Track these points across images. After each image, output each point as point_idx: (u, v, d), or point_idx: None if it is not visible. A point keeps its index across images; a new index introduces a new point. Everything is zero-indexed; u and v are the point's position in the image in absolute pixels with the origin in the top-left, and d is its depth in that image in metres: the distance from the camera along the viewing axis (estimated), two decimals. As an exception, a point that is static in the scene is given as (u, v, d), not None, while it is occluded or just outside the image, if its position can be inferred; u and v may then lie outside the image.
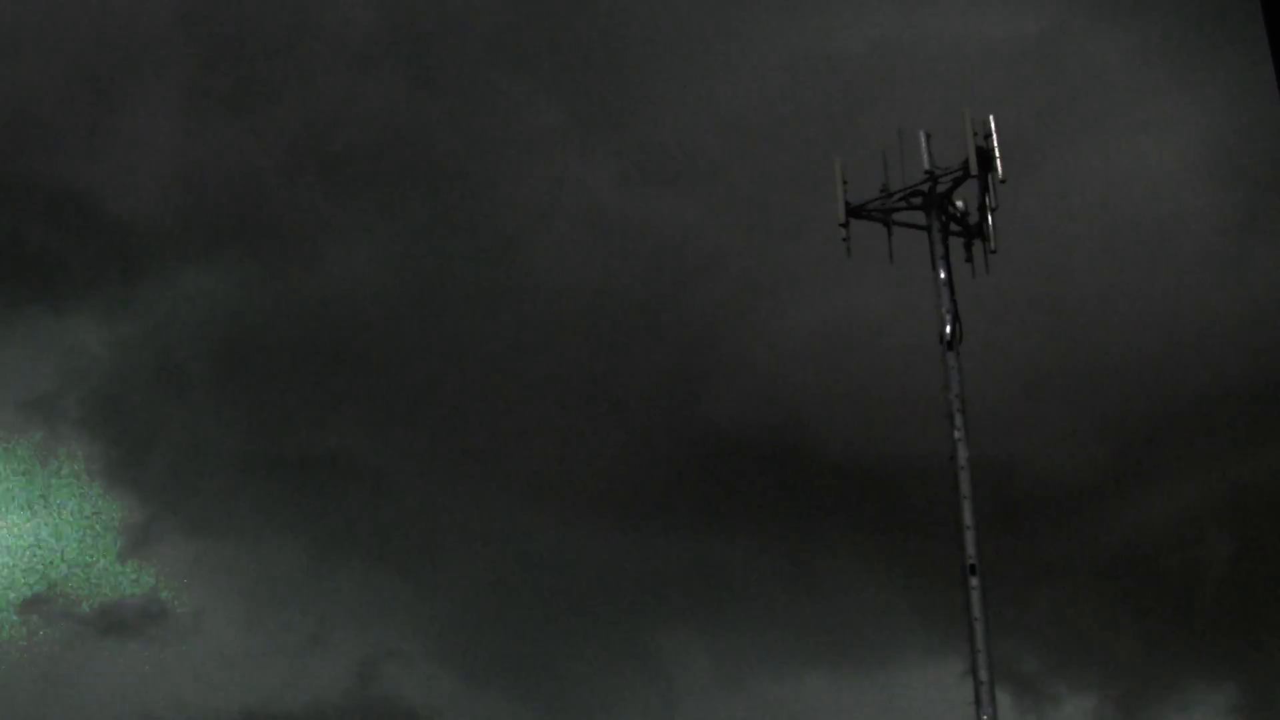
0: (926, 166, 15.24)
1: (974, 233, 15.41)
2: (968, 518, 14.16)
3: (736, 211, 28.71)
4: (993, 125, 15.11)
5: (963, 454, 14.41)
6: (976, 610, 13.79)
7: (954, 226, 15.44)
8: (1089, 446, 25.89)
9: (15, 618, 28.12)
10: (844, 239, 15.54)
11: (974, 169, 14.99)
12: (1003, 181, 15.08)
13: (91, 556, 28.89)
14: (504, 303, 30.77)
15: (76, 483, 29.57)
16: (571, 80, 30.90)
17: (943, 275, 15.20)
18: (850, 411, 25.82)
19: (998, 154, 15.01)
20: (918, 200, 15.46)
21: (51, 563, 28.69)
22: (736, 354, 28.87)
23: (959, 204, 15.41)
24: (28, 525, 28.72)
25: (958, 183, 15.23)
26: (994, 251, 15.27)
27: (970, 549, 14.03)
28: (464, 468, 30.77)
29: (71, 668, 28.04)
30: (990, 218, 15.25)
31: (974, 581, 13.89)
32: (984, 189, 15.16)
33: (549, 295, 30.19)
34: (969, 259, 15.37)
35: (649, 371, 29.50)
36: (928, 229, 15.42)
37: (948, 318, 14.99)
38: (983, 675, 13.59)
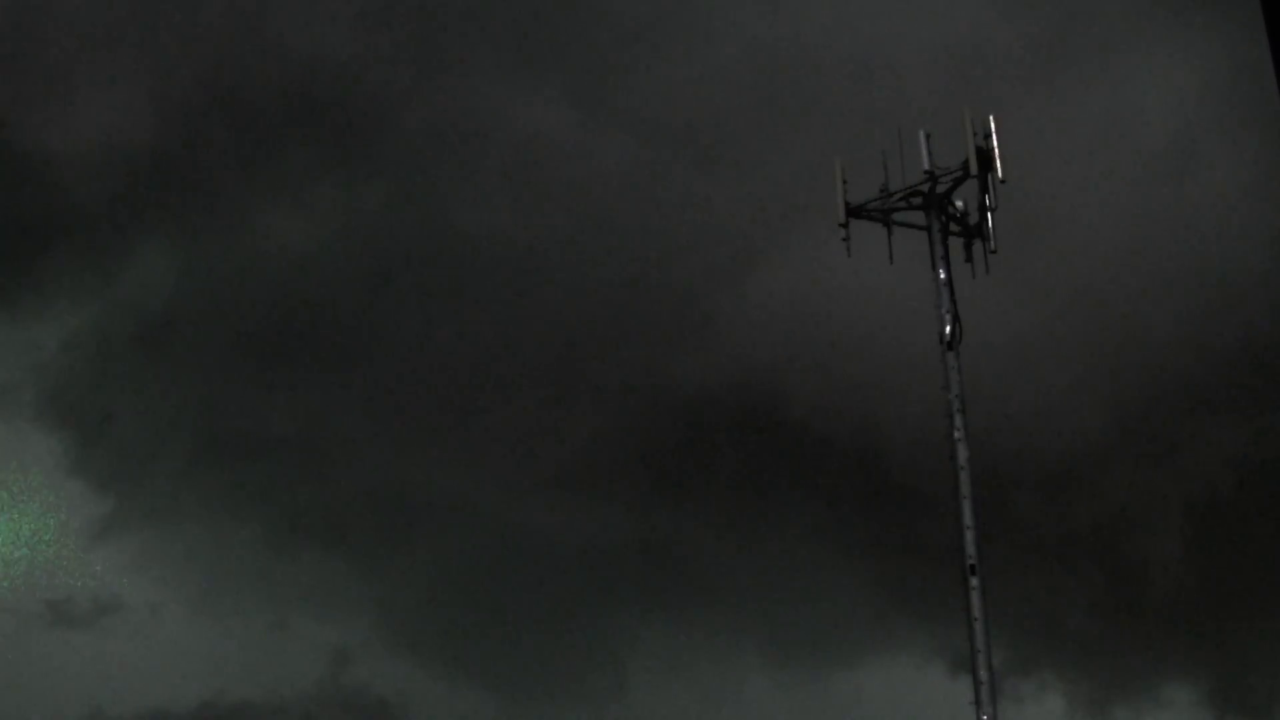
0: (926, 166, 15.26)
1: (974, 233, 15.43)
2: (968, 518, 14.17)
3: (719, 190, 28.46)
4: (993, 125, 15.13)
5: (963, 454, 14.41)
6: (976, 610, 13.79)
7: (954, 226, 15.46)
8: (1084, 437, 25.90)
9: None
10: (844, 239, 15.56)
11: (974, 169, 15.01)
12: (1002, 181, 15.10)
13: (42, 548, 28.57)
14: (464, 274, 30.02)
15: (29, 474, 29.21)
16: (551, 49, 30.38)
17: (943, 275, 15.22)
18: (827, 392, 25.74)
19: (998, 154, 15.04)
20: (918, 200, 15.48)
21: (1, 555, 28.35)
22: (710, 329, 28.51)
23: (959, 204, 15.43)
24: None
25: (958, 183, 15.26)
26: (994, 251, 15.30)
27: (970, 549, 14.04)
28: (424, 447, 30.13)
29: (16, 661, 27.57)
30: (990, 218, 15.28)
31: (974, 581, 13.89)
32: (984, 189, 15.19)
33: (511, 268, 29.57)
34: (969, 259, 15.40)
35: (619, 347, 28.97)
36: (928, 229, 15.43)
37: (947, 318, 15.01)
38: (982, 675, 13.60)
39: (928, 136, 15.28)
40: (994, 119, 15.09)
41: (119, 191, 29.81)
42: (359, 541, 29.94)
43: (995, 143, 15.01)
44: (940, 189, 15.35)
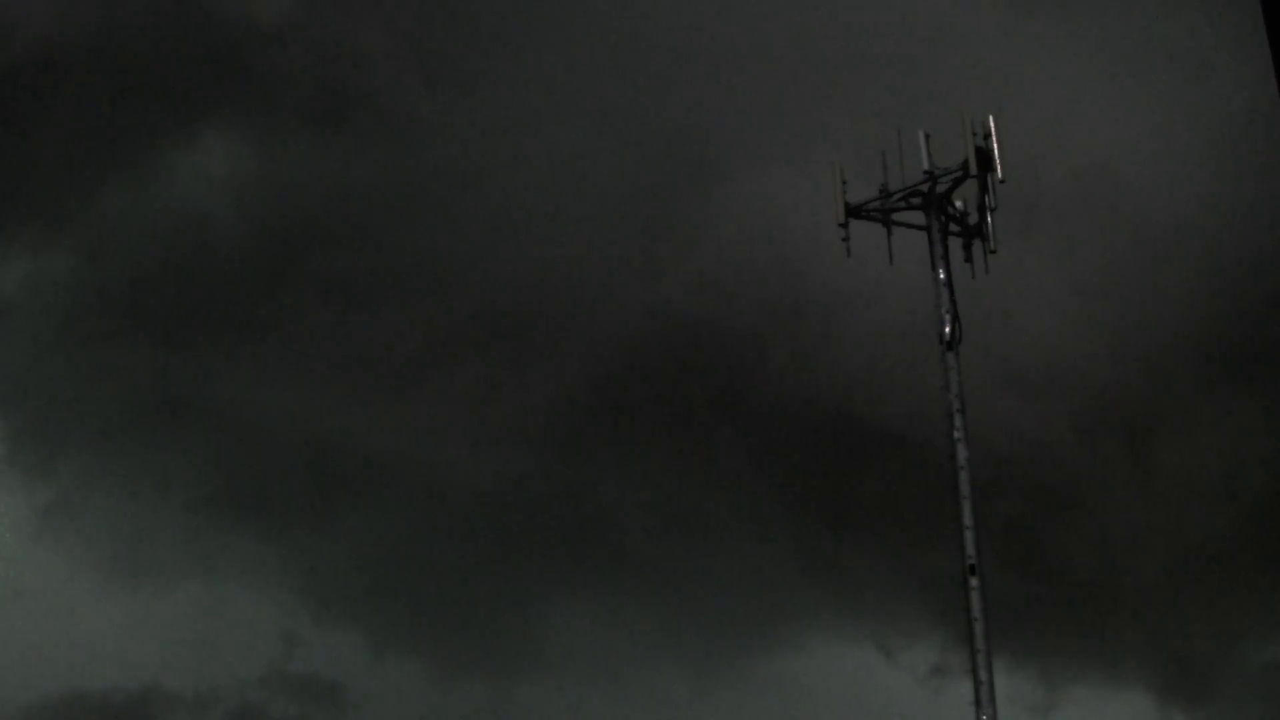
0: (926, 167, 15.28)
1: (973, 233, 15.46)
2: (967, 518, 14.19)
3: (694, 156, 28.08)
4: (992, 125, 15.15)
5: (962, 454, 14.44)
6: (976, 610, 13.81)
7: (953, 226, 15.49)
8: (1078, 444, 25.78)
9: None
10: (844, 239, 15.59)
11: (973, 169, 15.04)
12: (1002, 181, 15.13)
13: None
14: (389, 231, 29.05)
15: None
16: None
17: (942, 275, 15.24)
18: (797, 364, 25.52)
19: (997, 154, 15.06)
20: (917, 200, 15.50)
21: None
22: (670, 281, 27.87)
23: (958, 204, 15.46)
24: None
25: (957, 183, 15.28)
26: (994, 251, 15.32)
27: (970, 549, 14.05)
28: (347, 412, 28.94)
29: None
30: (990, 218, 15.30)
31: (974, 581, 13.91)
32: (983, 189, 15.21)
33: (451, 217, 28.77)
34: (968, 259, 15.42)
35: (561, 303, 28.28)
36: (927, 229, 15.46)
37: (947, 318, 15.03)
38: (983, 675, 13.61)
39: (927, 136, 15.32)
40: (993, 118, 15.14)
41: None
42: (283, 510, 28.96)
43: (995, 143, 15.05)
44: (940, 189, 15.38)
